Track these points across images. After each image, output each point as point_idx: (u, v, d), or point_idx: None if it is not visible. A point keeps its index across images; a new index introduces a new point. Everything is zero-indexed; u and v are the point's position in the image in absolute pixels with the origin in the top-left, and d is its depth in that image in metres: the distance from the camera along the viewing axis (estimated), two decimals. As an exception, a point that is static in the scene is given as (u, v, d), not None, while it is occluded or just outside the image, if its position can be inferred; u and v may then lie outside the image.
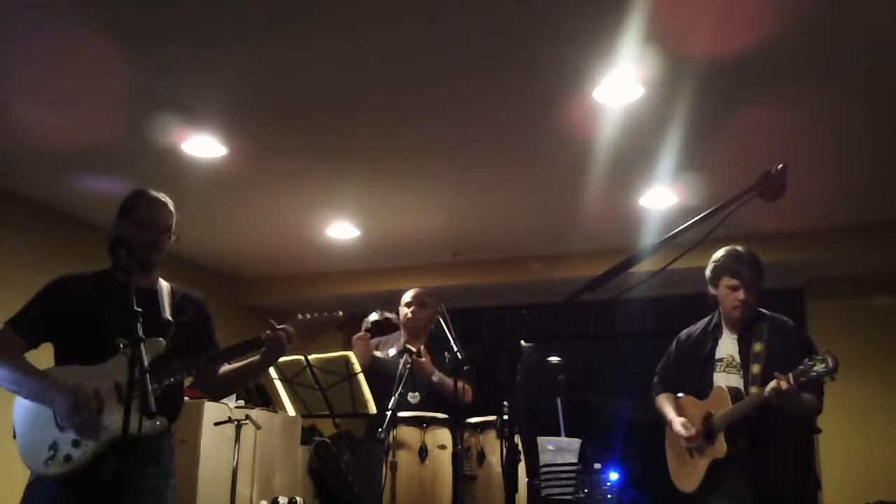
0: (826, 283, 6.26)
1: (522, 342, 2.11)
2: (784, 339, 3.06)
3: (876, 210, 5.50)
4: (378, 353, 4.15)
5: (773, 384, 2.77)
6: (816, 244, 5.90)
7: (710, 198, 4.88)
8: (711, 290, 3.18)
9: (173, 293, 2.67)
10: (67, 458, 2.34)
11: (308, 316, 2.72)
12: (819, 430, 3.09)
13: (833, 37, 3.45)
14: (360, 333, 4.08)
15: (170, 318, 2.57)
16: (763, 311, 3.15)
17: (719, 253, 3.17)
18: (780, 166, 1.82)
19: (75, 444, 2.34)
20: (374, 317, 4.14)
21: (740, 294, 3.06)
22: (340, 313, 2.81)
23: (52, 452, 2.34)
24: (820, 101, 3.98)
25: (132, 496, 2.35)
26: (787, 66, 3.67)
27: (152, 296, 2.56)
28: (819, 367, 2.70)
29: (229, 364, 2.67)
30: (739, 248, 3.14)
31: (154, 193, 2.67)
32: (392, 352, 4.16)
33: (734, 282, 3.07)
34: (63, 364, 2.47)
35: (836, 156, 4.58)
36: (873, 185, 5.09)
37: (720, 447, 2.96)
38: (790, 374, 2.75)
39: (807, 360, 2.75)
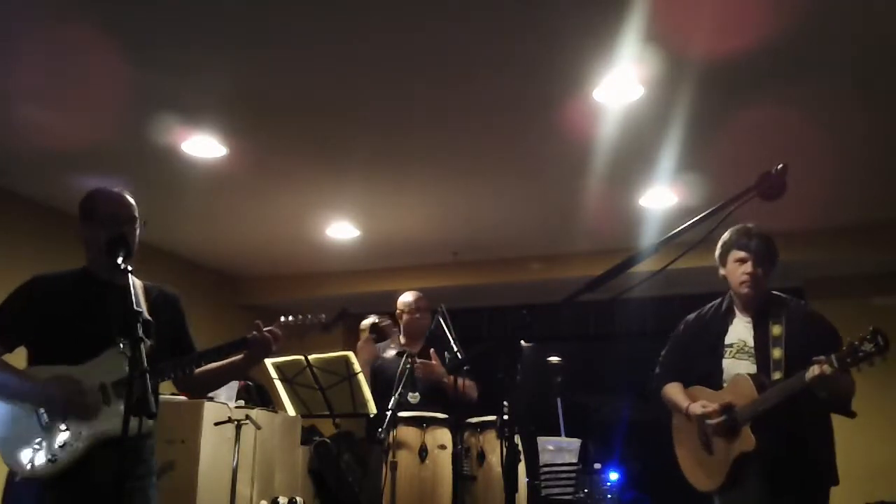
0: (826, 283, 6.26)
1: (522, 342, 2.10)
2: (804, 321, 2.82)
3: (876, 210, 5.50)
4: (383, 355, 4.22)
5: (815, 371, 2.52)
6: (816, 244, 5.89)
7: (710, 198, 4.88)
8: (721, 272, 3.00)
9: (148, 290, 2.63)
10: (53, 458, 2.30)
11: (291, 318, 2.70)
12: (854, 414, 2.84)
13: (833, 37, 3.45)
14: (364, 338, 4.14)
15: (148, 317, 2.50)
16: (779, 294, 2.97)
17: (727, 231, 2.97)
18: (780, 166, 1.82)
19: (61, 445, 2.31)
20: (372, 319, 4.19)
21: (748, 267, 2.87)
22: (323, 316, 2.78)
23: (36, 453, 2.30)
24: (820, 102, 3.98)
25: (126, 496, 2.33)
26: (787, 66, 3.67)
27: (127, 294, 2.51)
28: (868, 347, 2.42)
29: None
30: (750, 224, 2.95)
31: (109, 188, 2.61)
32: (390, 353, 4.20)
33: (742, 254, 2.88)
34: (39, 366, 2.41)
35: (836, 156, 4.59)
36: (873, 185, 5.09)
37: (748, 440, 2.72)
38: (833, 358, 2.49)
39: (852, 341, 2.47)
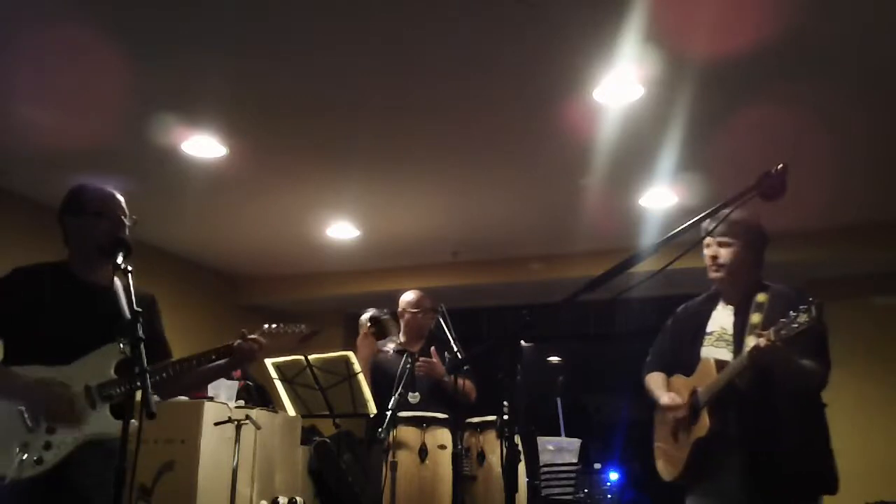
0: (826, 283, 6.26)
1: (522, 342, 2.10)
2: (786, 308, 2.50)
3: (876, 210, 5.50)
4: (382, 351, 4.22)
5: (750, 342, 2.46)
6: (816, 244, 5.89)
7: (710, 198, 4.87)
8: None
9: (126, 291, 2.55)
10: (39, 460, 2.28)
11: (274, 326, 2.78)
12: (823, 405, 2.72)
13: (833, 37, 3.45)
14: (363, 333, 4.14)
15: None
16: (769, 283, 2.81)
17: None
18: (780, 166, 1.82)
19: (46, 446, 2.30)
20: (370, 313, 4.19)
21: (711, 251, 2.73)
22: (303, 327, 2.87)
23: (23, 454, 2.27)
24: (820, 101, 3.98)
25: (103, 497, 2.29)
26: (787, 66, 3.67)
27: (111, 296, 2.49)
28: (802, 318, 2.35)
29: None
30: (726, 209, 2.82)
31: (98, 184, 2.60)
32: (390, 350, 4.19)
33: (707, 240, 2.71)
34: (15, 363, 2.38)
35: (836, 156, 4.58)
36: (873, 185, 5.09)
37: (702, 424, 2.61)
38: (771, 330, 2.42)
39: (791, 312, 2.38)
